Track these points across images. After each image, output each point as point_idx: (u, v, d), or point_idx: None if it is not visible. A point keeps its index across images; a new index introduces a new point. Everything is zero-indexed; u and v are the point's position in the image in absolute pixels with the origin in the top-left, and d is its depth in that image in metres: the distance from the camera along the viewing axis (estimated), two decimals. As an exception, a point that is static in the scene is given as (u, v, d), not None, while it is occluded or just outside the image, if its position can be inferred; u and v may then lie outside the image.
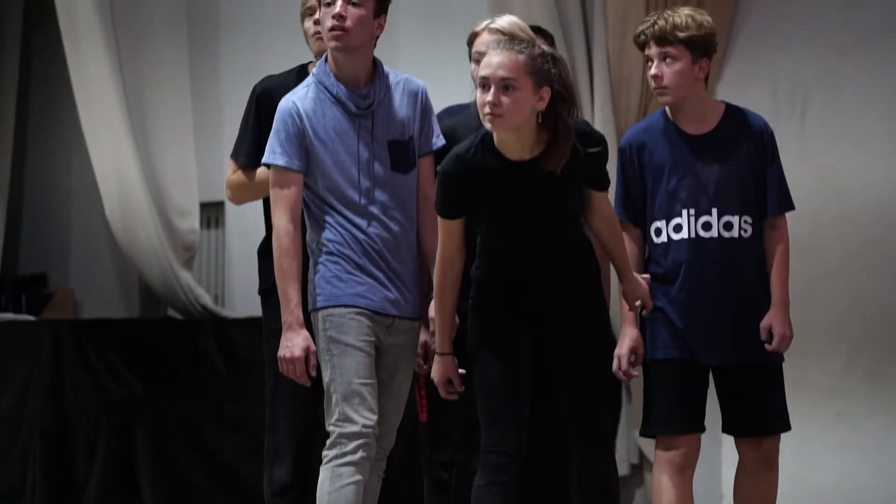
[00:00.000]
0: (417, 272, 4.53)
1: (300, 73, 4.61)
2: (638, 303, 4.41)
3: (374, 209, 4.42)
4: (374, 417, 4.33)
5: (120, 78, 7.59)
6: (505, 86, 4.04)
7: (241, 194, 4.96)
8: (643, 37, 4.53)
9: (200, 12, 8.40)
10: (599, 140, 4.26)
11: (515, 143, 4.15)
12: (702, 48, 4.49)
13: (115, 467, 6.99)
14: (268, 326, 4.75)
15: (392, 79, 4.54)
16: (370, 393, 4.35)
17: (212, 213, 8.05)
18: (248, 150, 4.90)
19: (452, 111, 5.07)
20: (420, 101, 4.55)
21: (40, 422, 6.93)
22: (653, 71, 4.48)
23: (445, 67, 6.76)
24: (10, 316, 7.77)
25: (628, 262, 4.43)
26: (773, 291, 4.55)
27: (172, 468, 7.04)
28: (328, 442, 4.35)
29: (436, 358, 4.34)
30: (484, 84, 4.07)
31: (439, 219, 4.29)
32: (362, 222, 4.39)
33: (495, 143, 4.18)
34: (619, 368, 4.48)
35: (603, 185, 4.33)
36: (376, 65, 4.50)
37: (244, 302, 7.11)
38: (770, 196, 4.56)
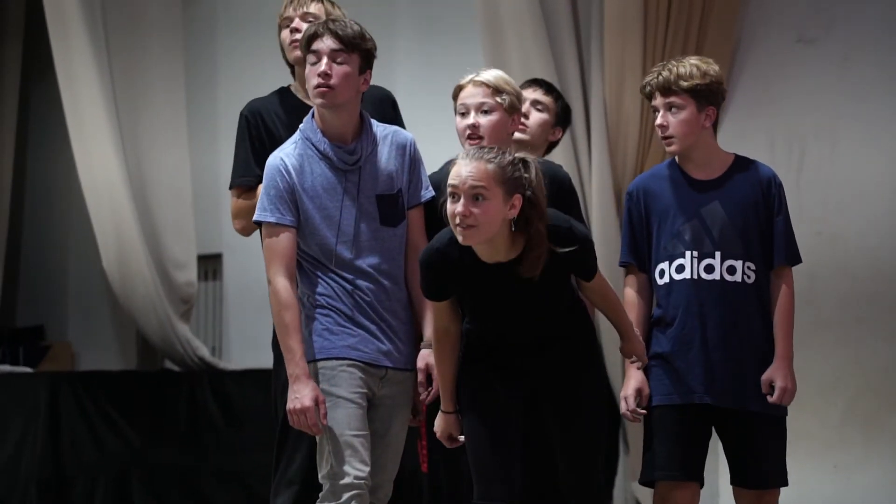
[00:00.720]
0: (409, 324, 4.46)
1: (282, 94, 4.62)
2: (633, 359, 4.37)
3: (363, 264, 4.36)
4: (366, 469, 4.25)
5: (118, 129, 7.58)
6: (475, 195, 3.96)
7: (248, 221, 4.80)
8: (648, 87, 4.51)
9: (196, 75, 8.40)
10: (579, 238, 4.16)
11: (489, 249, 4.07)
12: (707, 96, 4.46)
13: None
14: (277, 371, 4.72)
15: (380, 132, 4.49)
16: (362, 444, 4.28)
17: (209, 266, 8.02)
18: (245, 169, 4.85)
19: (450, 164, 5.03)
20: (408, 154, 4.50)
21: (37, 474, 6.88)
22: (658, 121, 4.45)
23: (441, 111, 6.71)
24: (7, 368, 7.74)
25: (627, 321, 4.36)
26: (777, 344, 4.50)
27: None
28: (321, 494, 4.28)
29: (440, 415, 4.28)
30: (453, 194, 4.00)
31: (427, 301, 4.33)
32: (352, 276, 4.34)
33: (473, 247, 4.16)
34: (627, 409, 4.43)
35: (589, 275, 4.24)
36: (363, 119, 4.48)
37: (241, 354, 7.05)
38: (777, 246, 4.51)
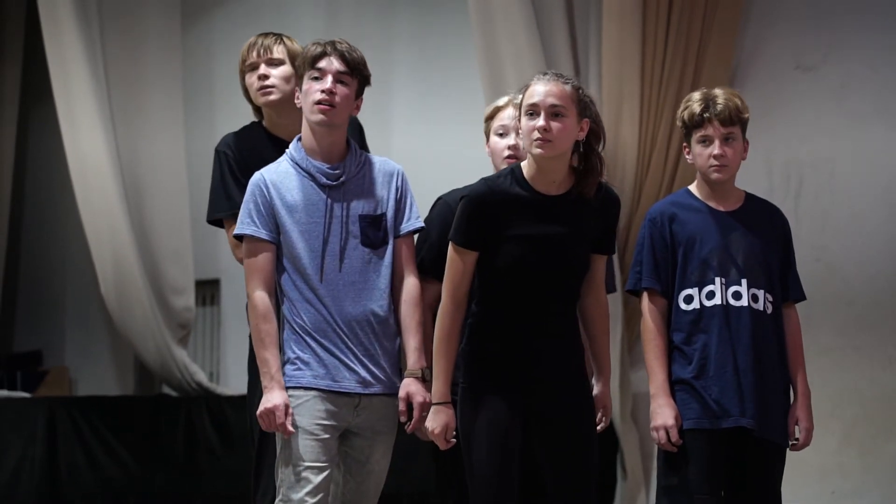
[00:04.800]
0: (392, 349, 4.30)
1: (252, 127, 4.54)
2: (599, 413, 4.32)
3: (342, 283, 4.22)
4: (316, 498, 4.10)
5: (116, 155, 7.58)
6: (554, 112, 4.00)
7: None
8: (705, 115, 4.35)
9: (194, 93, 8.42)
10: (616, 200, 4.24)
11: (549, 174, 4.09)
12: (746, 129, 4.45)
13: None
14: (252, 391, 4.56)
15: (367, 158, 4.40)
16: (314, 474, 4.13)
17: (207, 291, 8.14)
18: (233, 200, 4.67)
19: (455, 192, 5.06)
20: (396, 182, 4.36)
21: (35, 499, 6.93)
22: (717, 151, 4.32)
23: (440, 134, 6.80)
24: (4, 393, 7.79)
25: (608, 359, 4.32)
26: (798, 383, 4.43)
27: None
28: None
29: (437, 410, 4.10)
30: (532, 111, 4.03)
31: (452, 256, 4.12)
32: (330, 298, 4.20)
33: (525, 175, 4.13)
34: (668, 440, 4.31)
35: (611, 248, 4.26)
36: (349, 144, 4.39)
37: (239, 379, 6.74)
38: (791, 281, 4.46)
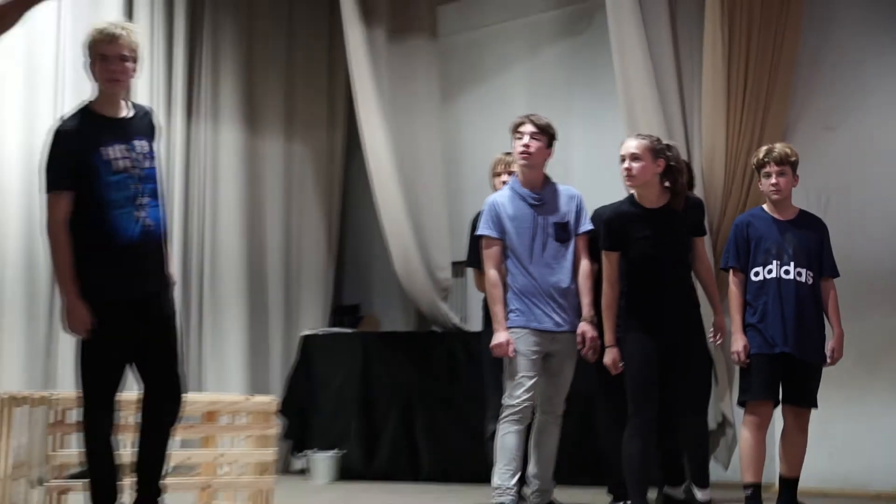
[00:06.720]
0: (574, 304, 4.97)
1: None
2: (719, 334, 4.95)
3: (541, 263, 4.93)
4: (528, 395, 4.88)
5: (400, 184, 7.97)
6: (633, 157, 4.64)
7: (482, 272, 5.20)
8: (767, 159, 4.99)
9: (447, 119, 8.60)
10: (698, 205, 4.90)
11: (648, 196, 4.66)
12: (796, 168, 5.06)
13: (402, 428, 7.76)
14: (487, 333, 5.32)
15: (560, 187, 5.10)
16: (527, 380, 4.90)
17: (458, 268, 8.11)
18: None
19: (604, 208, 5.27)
20: (576, 202, 5.10)
21: (356, 396, 7.92)
22: (773, 180, 4.97)
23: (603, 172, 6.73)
24: (337, 329, 8.66)
25: (718, 299, 4.91)
26: (834, 327, 4.99)
27: (438, 433, 7.65)
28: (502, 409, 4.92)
29: (610, 350, 4.77)
30: (623, 159, 4.66)
31: (605, 255, 4.73)
32: (536, 271, 4.93)
33: (636, 198, 4.72)
34: (740, 359, 4.91)
35: (701, 231, 4.85)
36: (547, 178, 5.09)
37: (477, 322, 6.91)
38: (826, 263, 5.04)
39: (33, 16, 4.04)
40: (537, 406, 4.99)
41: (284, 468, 7.99)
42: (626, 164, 4.57)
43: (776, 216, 5.00)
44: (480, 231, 4.91)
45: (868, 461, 6.53)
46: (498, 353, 4.80)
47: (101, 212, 4.13)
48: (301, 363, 8.26)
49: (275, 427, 5.49)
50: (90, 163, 4.12)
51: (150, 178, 4.28)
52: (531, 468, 5.08)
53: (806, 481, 5.32)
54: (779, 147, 5.05)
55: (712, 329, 4.93)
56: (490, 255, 4.85)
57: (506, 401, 4.85)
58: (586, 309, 4.90)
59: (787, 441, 5.04)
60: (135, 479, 4.32)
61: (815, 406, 5.00)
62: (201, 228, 8.47)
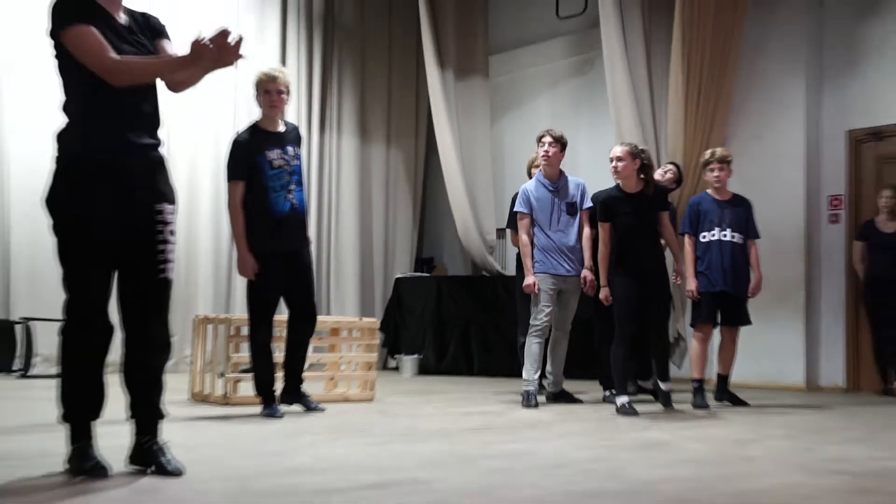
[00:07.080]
0: (579, 256, 4.90)
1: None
2: (675, 274, 4.81)
3: (558, 228, 4.86)
4: (548, 319, 4.81)
5: (462, 170, 7.84)
6: (619, 158, 4.51)
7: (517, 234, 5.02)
8: (711, 158, 4.91)
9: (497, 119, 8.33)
10: (664, 190, 4.73)
11: (629, 184, 4.52)
12: (730, 164, 4.99)
13: (461, 340, 7.61)
14: (519, 276, 5.15)
15: (570, 178, 4.99)
16: (547, 307, 4.84)
17: (501, 233, 8.01)
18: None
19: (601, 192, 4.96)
20: (581, 188, 4.99)
21: (431, 318, 7.80)
22: (716, 174, 4.91)
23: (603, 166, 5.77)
24: (419, 273, 8.64)
25: (678, 254, 4.75)
26: (755, 272, 4.97)
27: (485, 344, 7.48)
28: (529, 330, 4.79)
29: (603, 289, 4.67)
30: (612, 159, 4.53)
31: (600, 225, 4.58)
32: (553, 235, 4.87)
33: (621, 186, 4.57)
34: (694, 294, 4.87)
35: (666, 208, 4.65)
36: (562, 172, 4.97)
37: (513, 269, 6.04)
38: (750, 229, 4.99)
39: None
40: (553, 325, 4.96)
41: (383, 366, 8.01)
42: (614, 163, 4.51)
43: (717, 197, 4.97)
44: (517, 208, 4.90)
45: (778, 363, 6.50)
46: (527, 290, 4.80)
47: (263, 194, 4.15)
48: (394, 296, 8.20)
49: (377, 339, 5.44)
50: (257, 162, 4.15)
51: (296, 172, 4.26)
52: (549, 367, 5.05)
53: (734, 377, 5.33)
54: (720, 150, 5.02)
55: (674, 273, 4.83)
56: (523, 224, 4.84)
57: (532, 322, 4.84)
58: (587, 261, 4.88)
59: (723, 350, 5.06)
60: (283, 374, 4.35)
61: (749, 323, 4.97)
62: (329, 207, 8.41)
